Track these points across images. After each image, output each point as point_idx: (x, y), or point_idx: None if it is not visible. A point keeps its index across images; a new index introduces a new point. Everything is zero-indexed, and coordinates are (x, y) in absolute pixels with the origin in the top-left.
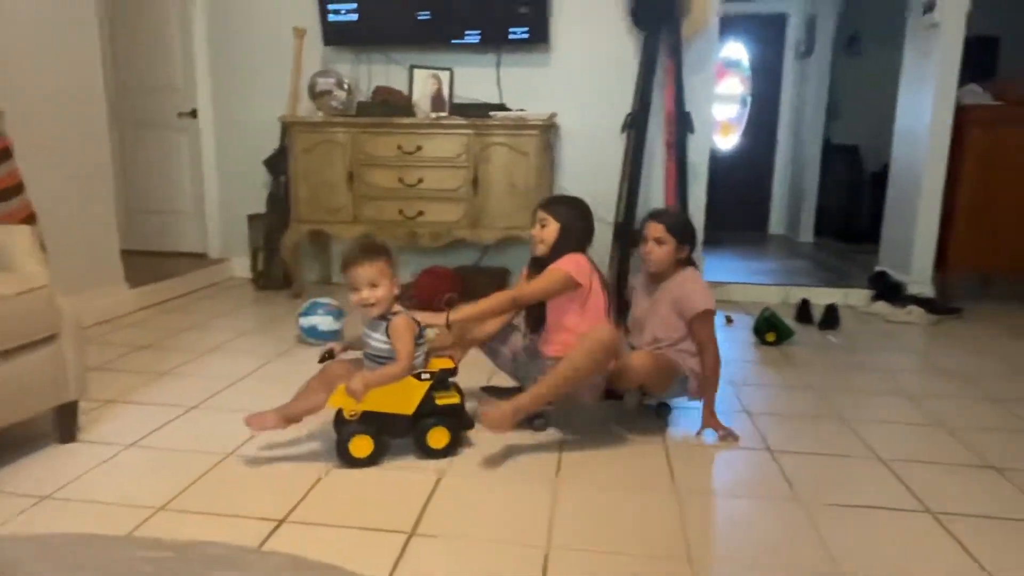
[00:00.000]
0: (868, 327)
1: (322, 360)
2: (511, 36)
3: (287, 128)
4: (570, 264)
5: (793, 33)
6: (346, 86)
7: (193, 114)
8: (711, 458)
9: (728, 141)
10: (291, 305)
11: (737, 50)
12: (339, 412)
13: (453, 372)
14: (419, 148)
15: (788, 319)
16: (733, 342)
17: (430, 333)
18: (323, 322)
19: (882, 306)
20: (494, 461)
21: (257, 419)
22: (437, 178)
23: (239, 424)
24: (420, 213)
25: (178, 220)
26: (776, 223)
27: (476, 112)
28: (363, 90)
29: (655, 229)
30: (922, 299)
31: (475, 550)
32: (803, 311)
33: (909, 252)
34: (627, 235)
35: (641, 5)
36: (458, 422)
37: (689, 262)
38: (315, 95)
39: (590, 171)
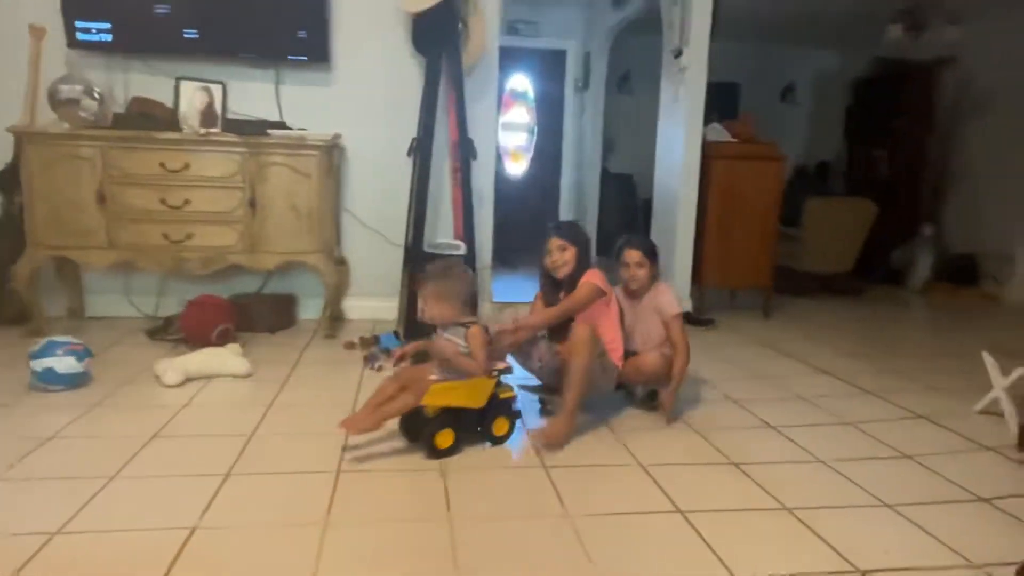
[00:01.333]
0: None
1: (395, 365)
2: (290, 58)
3: (20, 140)
4: (595, 278)
5: (572, 69)
6: (97, 95)
7: None
8: (487, 480)
9: (518, 167)
10: (27, 345)
11: (523, 82)
12: (407, 418)
13: (509, 371)
14: (186, 166)
15: None
16: None
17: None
18: (61, 364)
19: None
20: (259, 504)
21: (351, 422)
22: (208, 199)
23: None
24: (189, 237)
25: None
26: None
27: (252, 129)
28: (119, 100)
29: (634, 256)
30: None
31: None
32: None
33: (671, 270)
34: (416, 258)
35: (420, 31)
36: (514, 413)
37: (657, 276)
38: (57, 104)
39: (378, 194)
